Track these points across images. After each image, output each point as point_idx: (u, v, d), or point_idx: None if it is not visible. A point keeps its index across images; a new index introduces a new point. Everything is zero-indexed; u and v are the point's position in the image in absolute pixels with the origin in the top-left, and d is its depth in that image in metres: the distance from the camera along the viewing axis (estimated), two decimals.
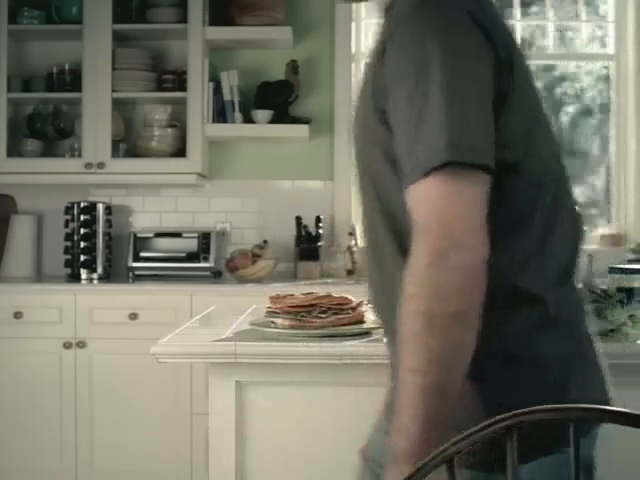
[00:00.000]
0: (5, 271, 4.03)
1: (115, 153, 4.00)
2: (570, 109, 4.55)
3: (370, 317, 2.08)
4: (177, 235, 4.07)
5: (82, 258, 3.98)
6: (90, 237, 3.99)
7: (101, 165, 3.93)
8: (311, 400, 1.90)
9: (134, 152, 4.09)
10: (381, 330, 1.98)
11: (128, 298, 3.68)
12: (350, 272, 4.12)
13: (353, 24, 4.31)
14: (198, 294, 3.64)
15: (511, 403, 1.08)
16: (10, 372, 3.64)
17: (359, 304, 1.98)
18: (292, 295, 1.97)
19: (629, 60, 4.36)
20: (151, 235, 4.09)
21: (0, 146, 3.95)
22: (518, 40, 1.29)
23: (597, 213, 4.50)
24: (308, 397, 1.90)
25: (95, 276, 3.99)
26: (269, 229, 4.21)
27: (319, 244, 4.07)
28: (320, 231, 4.08)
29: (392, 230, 1.28)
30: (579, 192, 4.51)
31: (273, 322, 1.94)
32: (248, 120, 4.05)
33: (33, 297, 3.68)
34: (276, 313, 1.93)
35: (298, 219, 4.07)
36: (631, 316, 1.90)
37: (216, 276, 4.04)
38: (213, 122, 4.02)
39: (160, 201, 4.28)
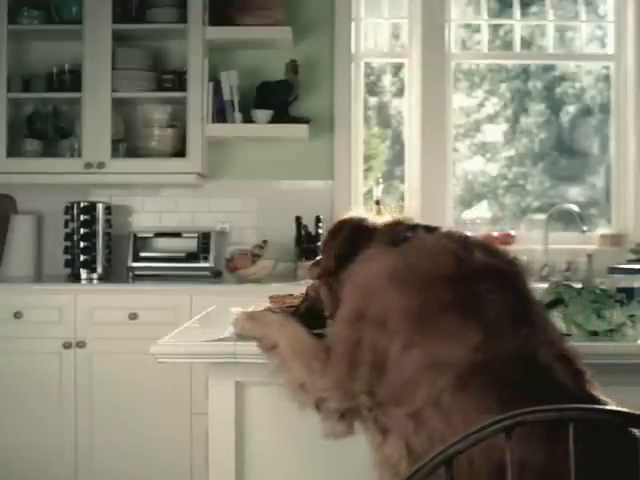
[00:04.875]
0: (5, 271, 4.03)
1: (115, 153, 4.00)
2: (570, 109, 4.55)
3: None
4: (177, 235, 4.07)
5: (82, 258, 3.98)
6: (90, 237, 3.99)
7: (101, 165, 3.93)
8: None
9: (134, 152, 4.09)
10: None
11: (128, 298, 3.68)
12: None
13: (353, 24, 4.31)
14: (198, 294, 3.64)
15: None
16: (10, 372, 3.63)
17: None
18: (292, 295, 1.97)
19: (629, 60, 4.36)
20: (151, 235, 4.09)
21: (0, 146, 3.96)
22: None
23: (597, 213, 4.50)
24: None
25: (95, 276, 3.99)
26: (269, 229, 4.21)
27: (319, 244, 4.06)
28: (320, 231, 4.07)
29: None
30: (579, 192, 4.52)
31: None
32: (248, 120, 4.05)
33: (33, 297, 3.68)
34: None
35: (298, 219, 4.07)
36: (631, 316, 1.90)
37: (216, 276, 4.04)
38: (213, 122, 4.02)
39: (160, 201, 4.28)
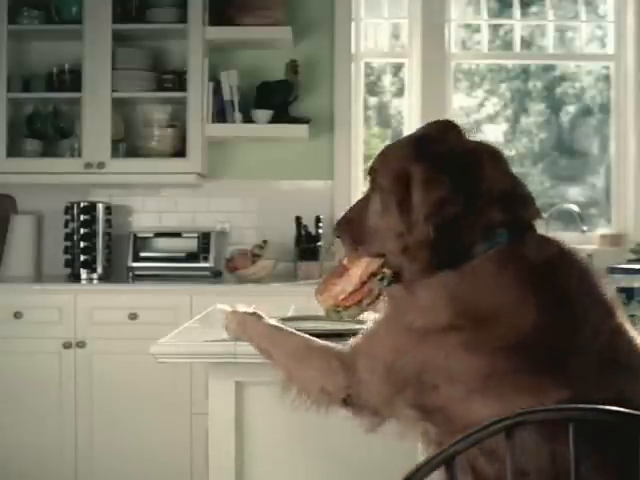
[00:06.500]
0: (5, 271, 4.03)
1: (115, 153, 4.00)
2: (570, 109, 4.55)
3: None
4: (177, 235, 4.07)
5: (82, 258, 3.98)
6: (90, 237, 3.99)
7: (101, 165, 3.93)
8: None
9: (134, 152, 4.09)
10: None
11: (128, 298, 3.68)
12: None
13: (353, 24, 4.31)
14: (198, 294, 3.64)
15: None
16: (10, 372, 3.63)
17: None
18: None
19: (629, 60, 4.36)
20: (151, 235, 4.09)
21: (0, 146, 3.96)
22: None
23: (597, 213, 4.50)
24: None
25: (95, 276, 3.99)
26: (269, 229, 4.21)
27: (319, 244, 4.06)
28: (320, 231, 4.08)
29: None
30: (579, 192, 4.52)
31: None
32: (248, 120, 4.05)
33: (33, 297, 3.68)
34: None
35: (298, 219, 4.07)
36: (631, 316, 1.90)
37: (216, 276, 4.04)
38: (213, 122, 4.02)
39: (160, 201, 4.27)
